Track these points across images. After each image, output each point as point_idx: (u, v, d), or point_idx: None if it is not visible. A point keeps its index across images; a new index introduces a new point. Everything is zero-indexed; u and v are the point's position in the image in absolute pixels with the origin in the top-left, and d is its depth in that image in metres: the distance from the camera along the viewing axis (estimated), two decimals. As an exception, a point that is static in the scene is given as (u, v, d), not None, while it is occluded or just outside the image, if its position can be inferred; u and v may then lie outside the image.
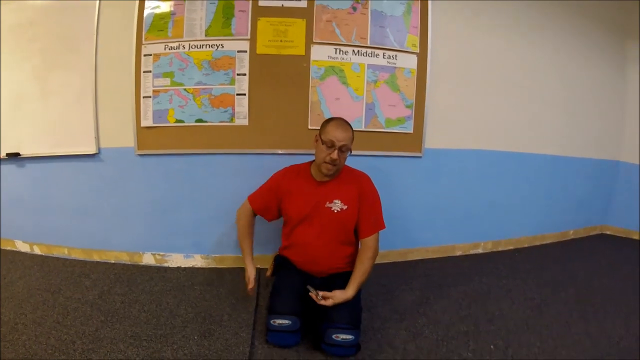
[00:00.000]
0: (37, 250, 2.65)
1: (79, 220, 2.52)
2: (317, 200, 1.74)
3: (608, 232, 3.62)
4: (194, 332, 1.68)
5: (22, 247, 2.69)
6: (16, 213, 2.65)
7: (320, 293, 1.57)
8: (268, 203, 1.86)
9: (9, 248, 2.72)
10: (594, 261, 2.82)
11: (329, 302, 1.55)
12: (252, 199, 1.91)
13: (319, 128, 1.76)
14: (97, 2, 2.31)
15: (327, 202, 1.73)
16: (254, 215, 1.91)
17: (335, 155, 1.63)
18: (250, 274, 1.81)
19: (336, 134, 1.65)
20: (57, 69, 2.42)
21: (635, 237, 3.45)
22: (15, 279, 2.22)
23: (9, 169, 2.60)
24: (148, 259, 2.48)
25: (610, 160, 3.49)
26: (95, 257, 2.53)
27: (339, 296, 1.57)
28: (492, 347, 1.65)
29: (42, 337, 1.61)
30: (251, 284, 1.79)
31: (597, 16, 3.09)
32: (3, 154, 2.53)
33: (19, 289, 2.09)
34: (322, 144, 1.67)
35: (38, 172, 2.55)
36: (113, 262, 2.50)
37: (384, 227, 1.80)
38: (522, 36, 2.76)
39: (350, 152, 1.73)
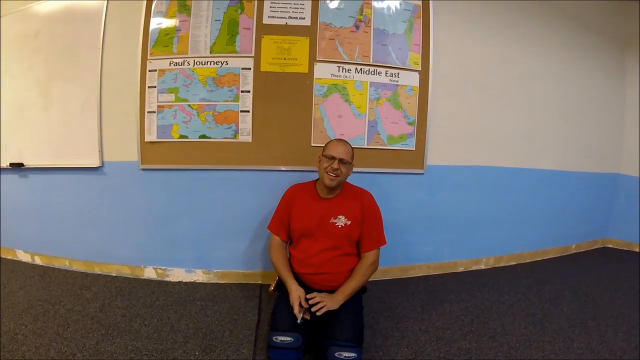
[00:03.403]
0: (38, 261, 2.66)
1: (81, 232, 2.53)
2: (321, 216, 1.79)
3: (610, 246, 3.61)
4: (195, 348, 1.68)
5: (23, 257, 2.71)
6: (18, 223, 2.67)
7: (310, 302, 1.61)
8: (287, 223, 1.90)
9: (9, 257, 2.74)
10: (596, 275, 2.81)
11: (321, 306, 1.59)
12: (273, 228, 1.94)
13: (322, 147, 1.87)
14: (103, 15, 2.35)
15: (332, 218, 1.78)
16: (284, 243, 1.94)
17: (336, 165, 1.72)
18: (295, 299, 1.65)
19: (336, 148, 1.78)
20: (61, 80, 2.45)
21: (637, 249, 3.45)
22: (15, 289, 2.23)
23: (12, 179, 2.63)
24: (149, 273, 2.48)
25: (611, 173, 3.50)
26: (97, 270, 2.53)
27: (325, 298, 1.62)
28: (494, 364, 1.65)
29: (42, 348, 1.62)
30: (296, 308, 1.65)
31: (597, 28, 3.13)
32: (7, 164, 2.56)
33: (19, 299, 2.10)
34: (324, 158, 1.78)
35: (41, 183, 2.57)
36: (114, 275, 2.50)
37: (385, 243, 1.86)
38: (522, 50, 2.79)
39: (352, 166, 1.83)
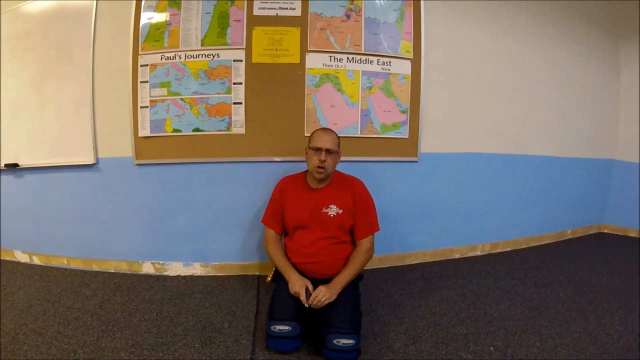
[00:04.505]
0: (36, 261, 2.66)
1: (78, 230, 2.53)
2: (313, 207, 1.80)
3: (606, 231, 3.63)
4: (195, 340, 1.69)
5: (22, 257, 2.70)
6: (15, 223, 2.66)
7: (310, 300, 1.61)
8: (280, 216, 1.91)
9: (8, 258, 2.73)
10: (591, 260, 2.83)
11: (322, 302, 1.59)
12: (267, 222, 1.95)
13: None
14: (93, 13, 2.33)
15: (324, 208, 1.80)
16: (279, 236, 1.95)
17: (323, 156, 1.73)
18: (300, 288, 1.66)
19: (321, 138, 1.78)
20: (54, 79, 2.43)
21: (633, 234, 3.47)
22: (15, 290, 2.23)
23: (7, 179, 2.61)
24: (147, 268, 2.48)
25: (606, 159, 3.51)
26: (95, 267, 2.53)
27: (323, 290, 1.61)
28: (491, 348, 1.66)
29: (44, 347, 1.62)
30: (302, 295, 1.65)
31: (591, 16, 3.13)
32: (2, 165, 2.54)
33: (19, 299, 2.10)
34: (311, 150, 1.79)
35: (37, 183, 2.56)
36: (112, 271, 2.50)
37: (379, 229, 1.88)
38: (516, 37, 2.79)
39: (340, 155, 1.85)
